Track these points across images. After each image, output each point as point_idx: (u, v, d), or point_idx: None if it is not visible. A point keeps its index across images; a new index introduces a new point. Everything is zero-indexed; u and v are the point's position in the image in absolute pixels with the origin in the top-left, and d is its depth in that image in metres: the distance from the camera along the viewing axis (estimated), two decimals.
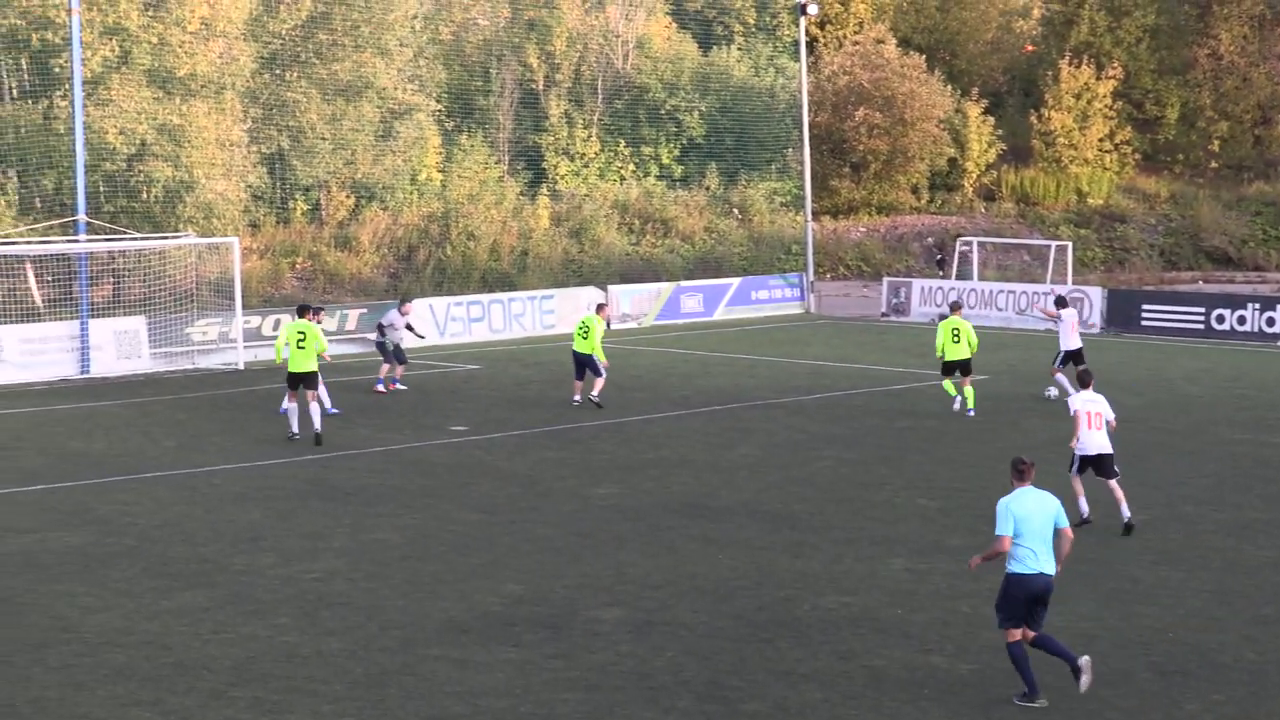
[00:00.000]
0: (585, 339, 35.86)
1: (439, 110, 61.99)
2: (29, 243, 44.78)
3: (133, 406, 37.52)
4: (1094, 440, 23.90)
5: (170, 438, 32.85)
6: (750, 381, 40.33)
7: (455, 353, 41.48)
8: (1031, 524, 16.29)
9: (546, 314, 52.25)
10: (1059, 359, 36.21)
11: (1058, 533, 16.58)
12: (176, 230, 47.96)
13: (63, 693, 16.81)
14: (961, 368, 34.99)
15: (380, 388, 39.05)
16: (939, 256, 64.79)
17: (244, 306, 45.86)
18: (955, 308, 36.29)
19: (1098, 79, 71.55)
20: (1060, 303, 37.55)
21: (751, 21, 74.17)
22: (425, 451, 31.01)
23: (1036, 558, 16.27)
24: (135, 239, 45.19)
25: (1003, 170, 72.50)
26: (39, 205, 48.59)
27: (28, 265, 46.73)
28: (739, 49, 71.24)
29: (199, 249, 47.15)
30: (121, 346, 43.44)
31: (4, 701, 16.58)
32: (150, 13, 49.09)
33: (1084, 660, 16.40)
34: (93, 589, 20.87)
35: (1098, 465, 23.97)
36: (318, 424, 31.93)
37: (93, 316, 43.78)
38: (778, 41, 72.91)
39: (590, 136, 65.73)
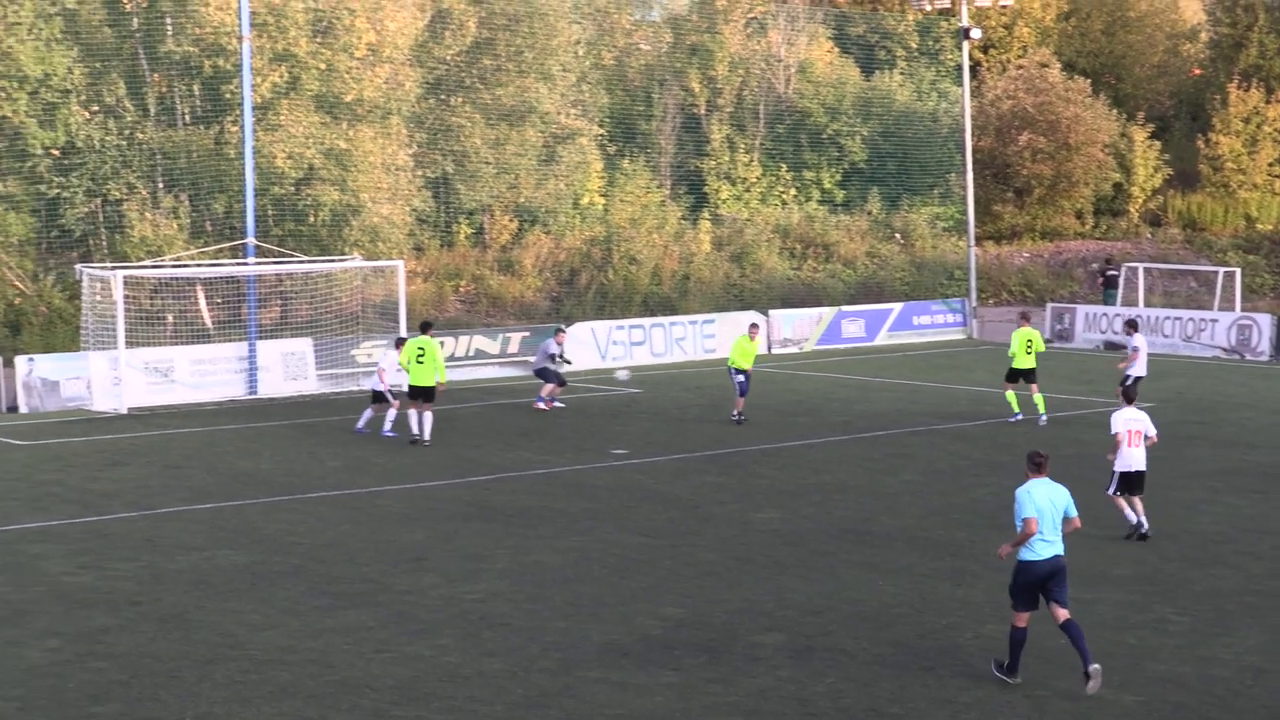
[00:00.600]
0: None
1: (601, 135, 62.27)
2: (200, 265, 45.56)
3: (299, 427, 38.00)
4: (1134, 458, 24.79)
5: (335, 458, 33.24)
6: (912, 407, 40.05)
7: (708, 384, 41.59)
8: (1045, 514, 17.43)
9: (707, 338, 52.22)
10: (1126, 382, 35.73)
11: (1067, 521, 17.71)
12: (343, 253, 48.58)
13: (229, 709, 17.03)
14: (1026, 376, 37.15)
15: (540, 405, 39.42)
16: (1109, 272, 63.43)
17: (408, 329, 46.28)
18: (1025, 318, 38.07)
19: (1267, 102, 70.35)
20: (1132, 326, 37.03)
21: (914, 46, 73.76)
22: (586, 474, 31.09)
23: (1049, 544, 17.43)
24: (303, 262, 45.82)
25: (1169, 195, 71.41)
26: (209, 229, 49.44)
27: (198, 288, 47.59)
28: (901, 74, 70.86)
29: (364, 272, 47.72)
30: (288, 368, 44.07)
31: (173, 716, 16.83)
32: (319, 39, 49.80)
33: (1094, 668, 17.07)
34: (259, 607, 21.14)
35: (1133, 482, 24.83)
36: (428, 433, 34.78)
37: (261, 338, 44.47)
38: (940, 66, 72.44)
39: (752, 161, 65.68)
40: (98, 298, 42.01)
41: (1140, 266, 58.63)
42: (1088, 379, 44.93)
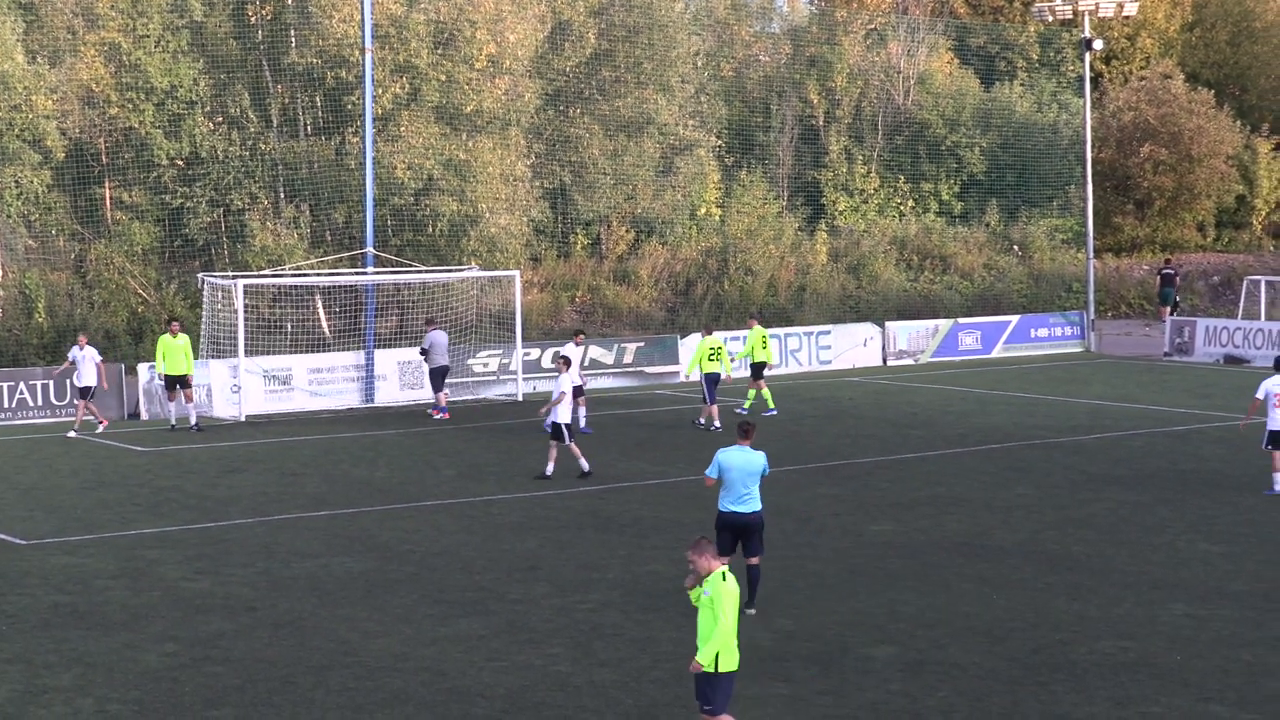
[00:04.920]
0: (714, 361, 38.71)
1: (719, 145, 62.26)
2: (319, 275, 45.96)
3: (415, 436, 38.23)
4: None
5: (450, 467, 33.40)
6: (1028, 420, 39.69)
7: (733, 388, 41.53)
8: (732, 473, 20.92)
9: (823, 349, 52.06)
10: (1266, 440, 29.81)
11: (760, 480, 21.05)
12: (460, 263, 48.85)
13: (343, 715, 17.14)
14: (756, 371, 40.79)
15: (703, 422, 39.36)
16: (1165, 271, 61.97)
17: (524, 339, 46.48)
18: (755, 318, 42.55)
19: None
20: None
21: (1035, 57, 73.22)
22: (700, 485, 30.99)
23: (740, 500, 20.94)
24: (421, 271, 46.10)
25: None
26: (329, 238, 49.88)
27: (317, 296, 48.03)
28: (1022, 85, 70.34)
29: (482, 282, 47.96)
30: (405, 376, 44.35)
31: None
32: (440, 51, 50.10)
33: (749, 611, 17.37)
34: (373, 614, 21.27)
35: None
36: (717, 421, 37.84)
37: (378, 347, 44.81)
38: (1061, 77, 71.86)
39: (870, 172, 65.43)
40: (218, 306, 42.49)
41: (1263, 279, 57.80)
42: (1207, 393, 44.35)
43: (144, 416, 40.88)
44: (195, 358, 40.23)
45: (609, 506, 28.81)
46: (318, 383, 43.32)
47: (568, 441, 31.40)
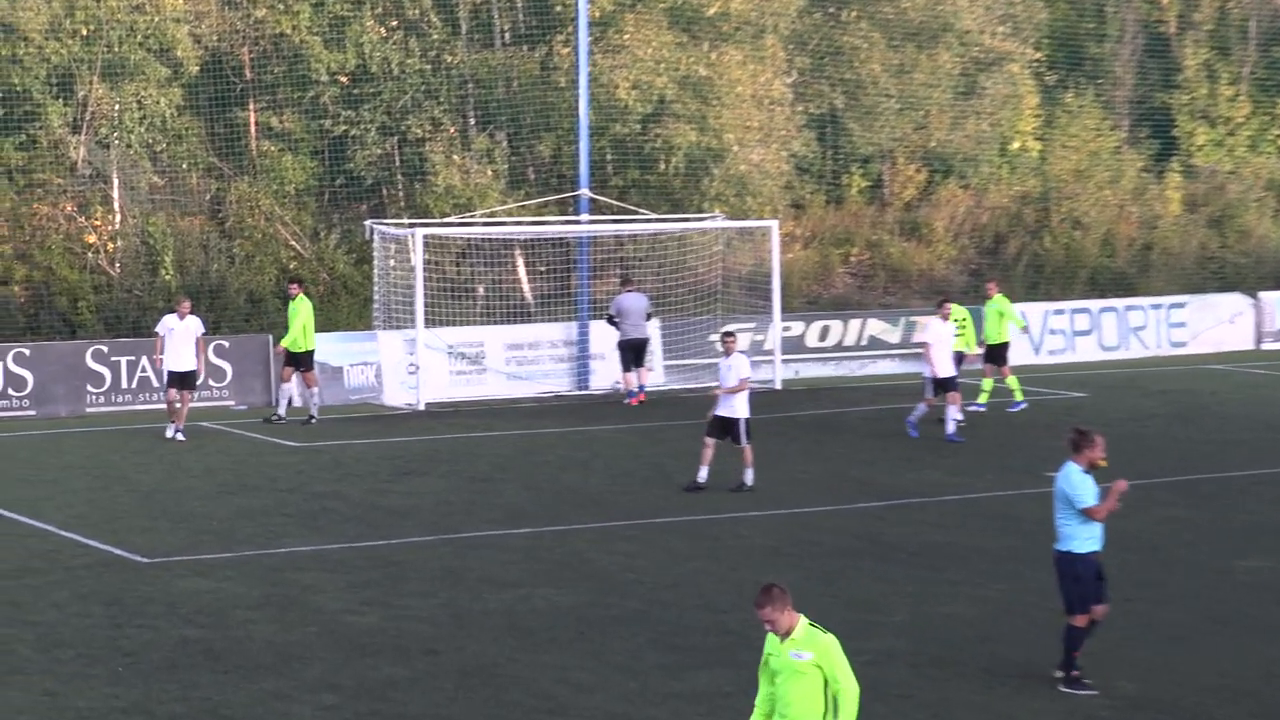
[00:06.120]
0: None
1: (1037, 61, 61.56)
2: (520, 224, 46.18)
3: (638, 432, 38.31)
4: None
5: (686, 473, 33.28)
6: None
7: (1055, 375, 41.16)
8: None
9: (1175, 327, 51.40)
10: None
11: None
12: (700, 210, 48.83)
13: None
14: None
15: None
16: None
17: (783, 309, 46.31)
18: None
19: None
20: None
21: None
22: (1012, 502, 30.73)
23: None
24: (649, 221, 46.11)
25: None
26: (532, 177, 50.14)
27: (517, 252, 48.25)
28: None
29: (728, 234, 47.90)
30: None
31: None
32: None
33: None
34: (586, 661, 21.27)
35: None
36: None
37: (594, 317, 44.85)
38: None
39: (1238, 95, 64.30)
40: (391, 262, 42.94)
41: None
42: None
43: (296, 403, 41.43)
44: (365, 328, 40.67)
45: (891, 529, 28.62)
46: (517, 362, 43.62)
47: (744, 442, 31.33)
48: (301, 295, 39.94)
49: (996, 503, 30.58)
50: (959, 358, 38.41)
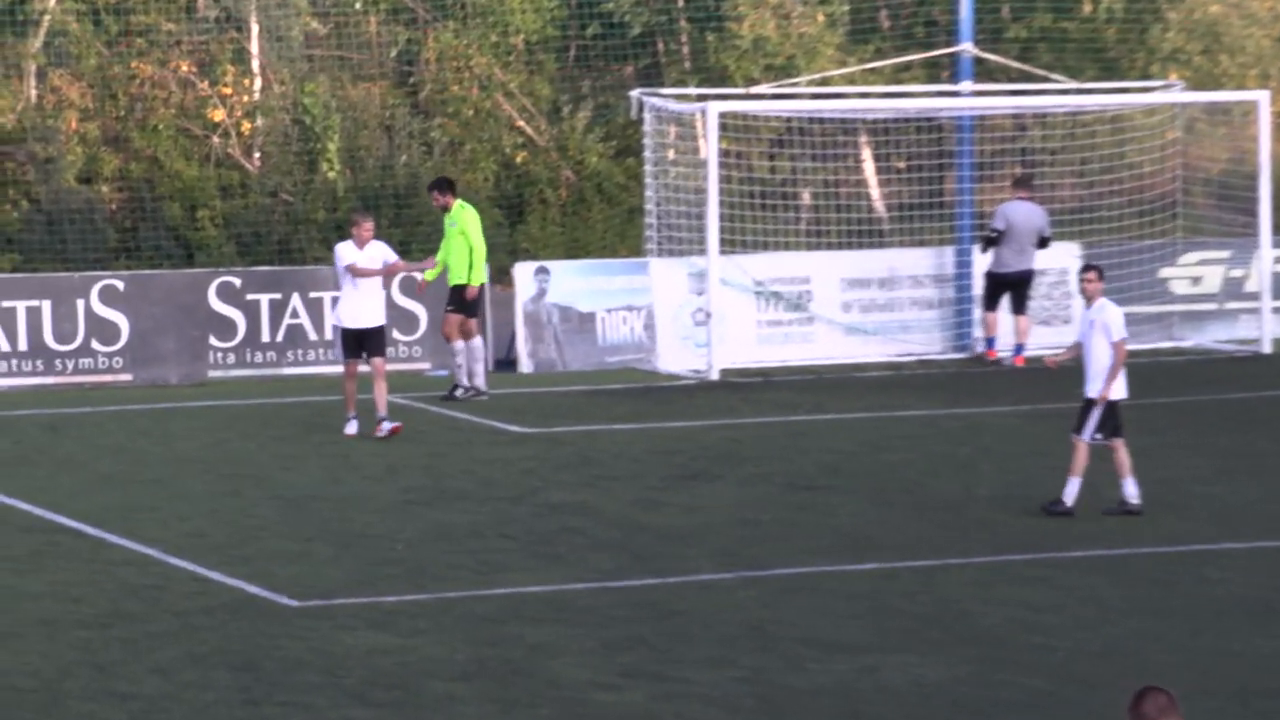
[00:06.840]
0: None
1: None
2: (867, 95, 46.17)
3: (1045, 417, 37.91)
4: None
5: (1114, 482, 32.87)
6: None
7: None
8: None
9: None
10: None
11: None
12: (1145, 77, 48.58)
13: None
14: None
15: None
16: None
17: (1276, 231, 45.94)
18: None
19: None
20: None
21: None
22: None
23: None
24: (1067, 91, 45.87)
25: None
26: (886, 25, 50.20)
27: (862, 139, 48.34)
28: None
29: (1191, 113, 47.54)
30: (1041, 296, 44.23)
31: None
32: None
33: None
34: None
35: None
36: None
37: (978, 240, 44.59)
38: None
39: None
40: (671, 154, 43.07)
41: None
42: None
43: (524, 368, 41.63)
44: (630, 255, 40.90)
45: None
46: (860, 308, 43.58)
47: (1110, 438, 31.23)
48: (461, 203, 39.46)
49: None
50: None
